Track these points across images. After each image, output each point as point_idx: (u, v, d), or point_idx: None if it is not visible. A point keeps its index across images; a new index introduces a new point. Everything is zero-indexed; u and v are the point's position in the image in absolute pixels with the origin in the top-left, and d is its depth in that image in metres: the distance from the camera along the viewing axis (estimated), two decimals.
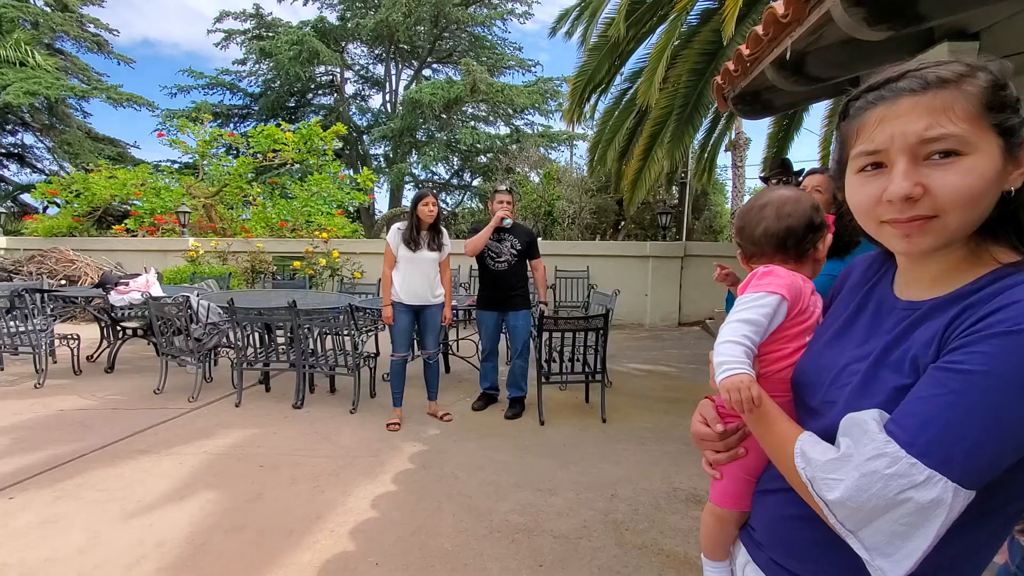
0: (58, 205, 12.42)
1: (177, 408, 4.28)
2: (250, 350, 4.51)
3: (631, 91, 7.47)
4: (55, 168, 17.86)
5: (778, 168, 4.11)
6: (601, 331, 3.96)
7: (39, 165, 19.76)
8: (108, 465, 3.24)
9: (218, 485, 2.99)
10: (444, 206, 21.23)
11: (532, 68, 20.38)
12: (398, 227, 3.96)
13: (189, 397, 4.47)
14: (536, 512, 2.71)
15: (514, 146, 16.74)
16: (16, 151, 19.90)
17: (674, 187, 14.42)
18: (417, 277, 3.85)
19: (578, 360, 4.18)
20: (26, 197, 16.98)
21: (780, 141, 8.29)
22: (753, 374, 0.84)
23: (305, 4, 20.29)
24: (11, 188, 18.33)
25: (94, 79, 19.53)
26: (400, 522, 2.63)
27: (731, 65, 3.42)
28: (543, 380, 4.02)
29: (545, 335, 3.98)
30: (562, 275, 8.31)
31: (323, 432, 3.80)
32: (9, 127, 19.27)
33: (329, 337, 4.65)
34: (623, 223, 15.52)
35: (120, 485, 2.99)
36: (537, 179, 13.39)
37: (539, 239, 10.73)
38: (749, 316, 0.92)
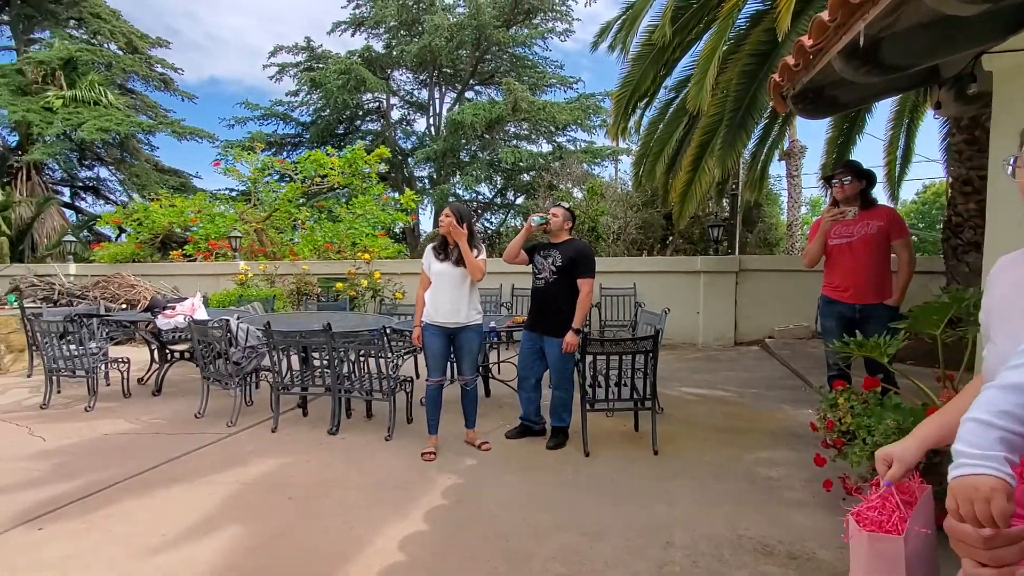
0: (125, 232, 13.15)
1: (215, 433, 4.23)
2: (287, 374, 4.44)
3: (678, 100, 7.16)
4: (125, 199, 19.07)
5: (842, 168, 3.71)
6: (650, 353, 3.64)
7: (112, 196, 21.19)
8: (140, 494, 3.17)
9: (244, 519, 2.85)
10: (488, 225, 21.27)
11: (574, 85, 20.30)
12: (432, 245, 3.81)
13: (228, 422, 4.42)
14: (580, 561, 2.41)
15: (557, 163, 16.57)
16: (92, 184, 21.43)
17: (724, 199, 13.84)
18: (447, 291, 3.65)
19: (625, 385, 3.86)
20: (101, 226, 18.10)
21: (840, 147, 7.74)
22: (1010, 480, 0.58)
23: (353, 35, 21.08)
24: (87, 218, 19.66)
25: (160, 115, 20.86)
26: (429, 566, 2.39)
27: (791, 60, 3.10)
28: (587, 407, 3.72)
29: (588, 358, 3.69)
30: (607, 293, 7.98)
31: (356, 461, 3.63)
32: (86, 162, 20.80)
33: (367, 360, 4.53)
34: (671, 238, 15.00)
35: (148, 517, 2.89)
36: (580, 195, 13.14)
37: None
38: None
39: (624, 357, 3.73)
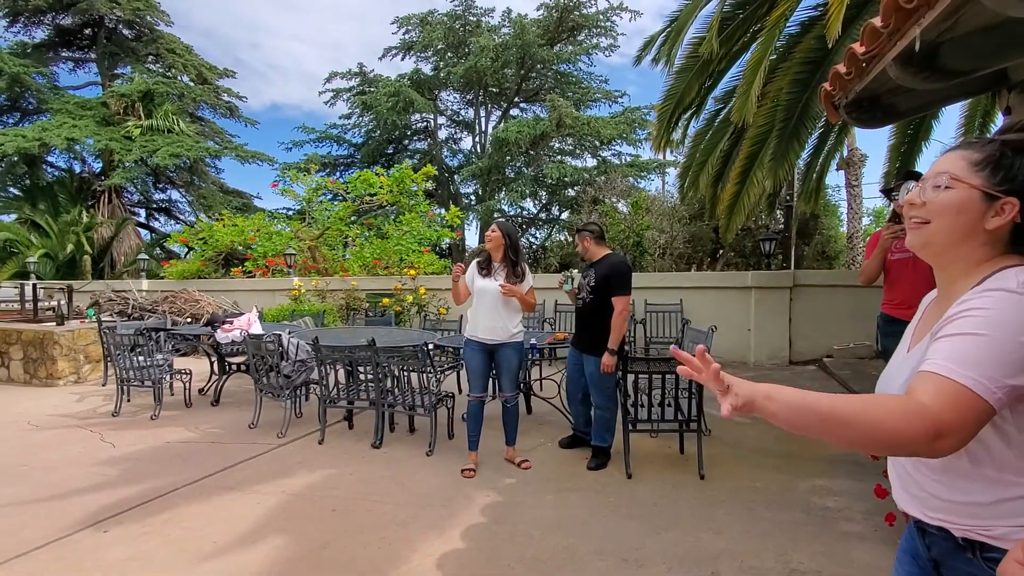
0: (192, 250, 14.02)
1: (266, 443, 4.39)
2: (334, 387, 4.57)
3: (724, 111, 7.00)
4: (193, 219, 20.33)
5: (903, 179, 3.50)
6: None
7: (181, 217, 22.69)
8: (196, 501, 3.33)
9: (289, 529, 2.93)
10: (533, 240, 21.34)
11: (619, 99, 20.22)
12: (477, 260, 3.85)
13: (278, 432, 4.59)
14: None
15: (601, 178, 16.49)
16: (165, 205, 23.05)
17: (778, 211, 13.34)
18: (488, 308, 3.67)
19: (670, 405, 3.75)
20: (170, 244, 19.36)
21: (904, 155, 7.32)
22: None
23: (403, 59, 21.86)
24: (159, 237, 21.12)
25: (226, 140, 22.25)
26: None
27: (842, 68, 2.97)
28: (629, 428, 3.62)
29: (630, 377, 3.60)
30: (652, 309, 7.80)
31: (398, 475, 3.68)
32: (160, 185, 22.41)
33: (410, 376, 4.60)
34: (721, 252, 14.56)
35: (202, 524, 3.03)
36: (625, 209, 12.99)
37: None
38: None
39: (668, 376, 3.62)
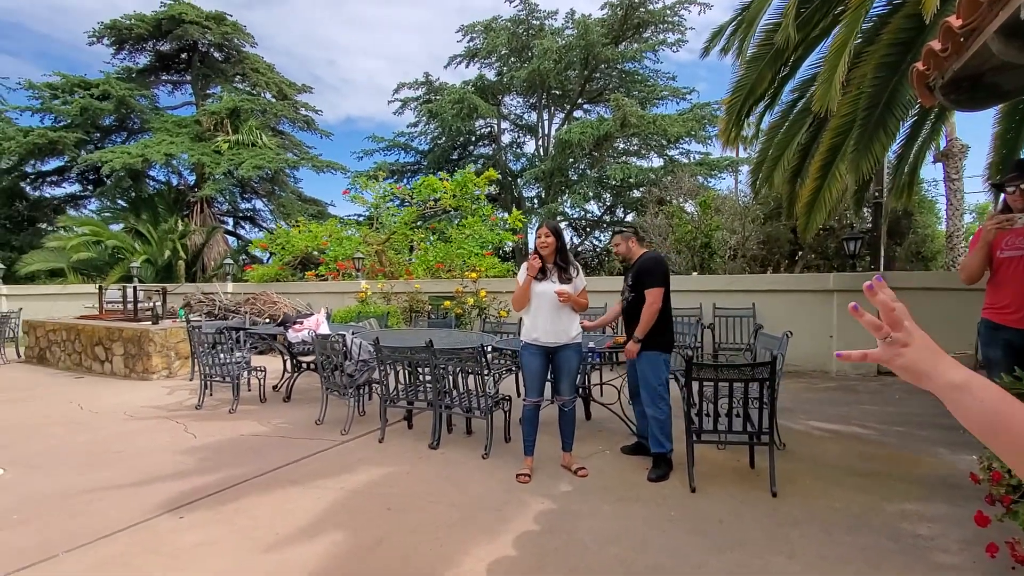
0: (272, 255, 14.94)
1: (331, 439, 4.54)
2: (395, 388, 4.66)
3: (802, 102, 6.55)
4: (273, 226, 21.68)
5: (1017, 170, 3.09)
6: (767, 381, 3.27)
7: (264, 224, 24.24)
8: (263, 492, 3.48)
9: (346, 525, 2.99)
10: (597, 243, 21.02)
11: (687, 95, 19.54)
12: (525, 265, 3.80)
13: (342, 430, 4.74)
14: None
15: (667, 177, 15.96)
16: (249, 214, 24.73)
17: (866, 208, 12.35)
18: (546, 311, 3.61)
19: (738, 415, 3.50)
20: (252, 250, 20.74)
21: (1011, 143, 6.52)
22: None
23: (467, 66, 22.27)
24: (244, 243, 22.68)
25: (303, 151, 23.59)
26: None
27: (936, 44, 2.66)
28: (693, 438, 3.42)
29: (695, 385, 3.40)
30: (721, 313, 7.41)
31: (453, 477, 3.68)
32: (246, 195, 24.07)
33: (470, 377, 4.61)
34: (800, 253, 13.66)
35: (267, 513, 3.15)
36: (692, 209, 12.49)
37: (694, 272, 9.86)
38: None
39: (736, 385, 3.39)
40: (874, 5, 5.02)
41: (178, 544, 2.83)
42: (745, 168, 16.59)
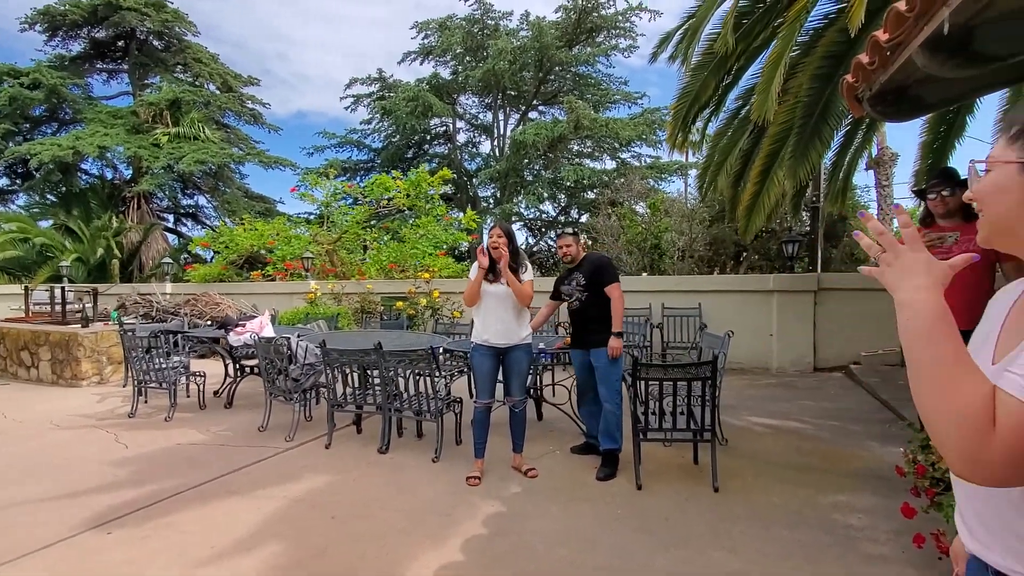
0: (216, 254, 14.29)
1: (274, 447, 4.37)
2: (343, 392, 4.53)
3: (745, 109, 6.79)
4: (217, 224, 20.75)
5: (938, 178, 3.30)
6: (709, 380, 3.37)
7: (207, 222, 23.19)
8: (198, 505, 3.30)
9: (288, 536, 2.87)
10: (551, 244, 21.20)
11: (638, 100, 20.00)
12: (476, 264, 3.77)
13: (286, 436, 4.56)
14: None
15: (620, 180, 16.29)
16: (191, 211, 23.60)
17: (805, 212, 12.97)
18: (496, 312, 3.60)
19: (683, 413, 3.59)
20: (193, 248, 19.79)
21: (937, 152, 6.99)
22: None
23: (422, 64, 22.00)
24: (185, 241, 21.59)
25: (250, 146, 22.69)
26: None
27: (864, 58, 2.80)
28: (640, 436, 3.48)
29: (640, 383, 3.47)
30: (669, 313, 7.61)
31: (401, 482, 3.61)
32: (188, 191, 22.95)
33: (419, 380, 4.54)
34: (745, 255, 14.21)
35: (201, 528, 2.99)
36: (643, 211, 12.79)
37: (644, 273, 10.08)
38: None
39: (681, 383, 3.48)
40: (810, 19, 5.26)
41: (103, 562, 2.64)
42: (693, 172, 17.14)
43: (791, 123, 5.09)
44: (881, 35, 2.51)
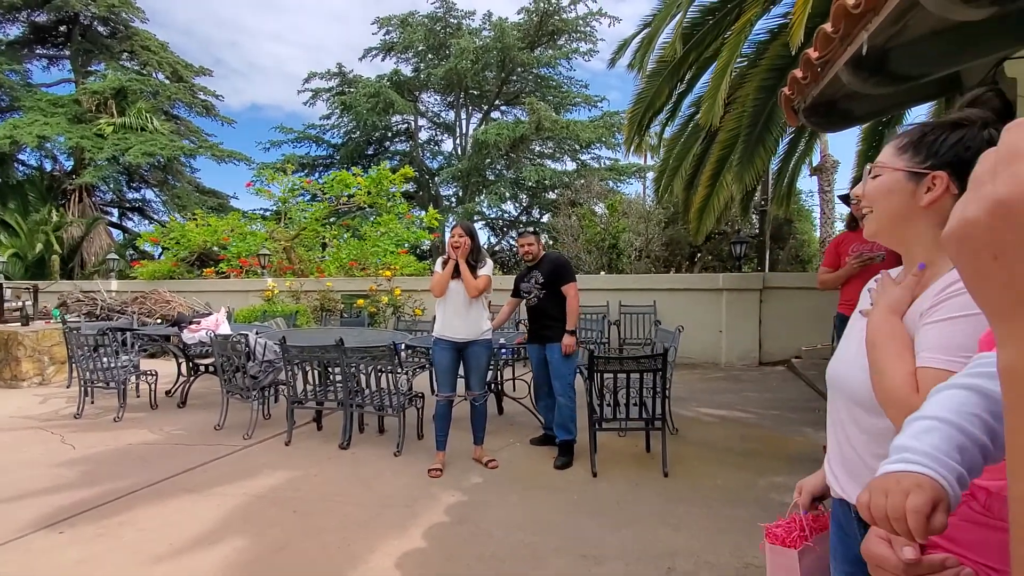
0: (165, 251, 13.75)
1: (231, 445, 4.32)
2: (302, 388, 4.52)
3: (698, 116, 7.11)
4: (167, 219, 19.95)
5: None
6: (659, 372, 3.57)
7: (155, 217, 22.22)
8: (153, 503, 3.26)
9: (248, 531, 2.89)
10: (513, 243, 21.38)
11: (598, 103, 20.42)
12: (441, 259, 3.86)
13: (244, 434, 4.51)
14: None
15: (580, 181, 16.62)
16: (138, 205, 22.57)
17: (754, 215, 13.58)
18: (456, 307, 3.70)
19: (636, 404, 3.78)
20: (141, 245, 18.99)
21: (871, 160, 7.51)
22: (946, 483, 0.51)
23: (383, 60, 21.78)
24: (131, 237, 20.64)
25: (202, 139, 21.88)
26: None
27: (798, 73, 3.05)
28: (596, 426, 3.65)
29: (596, 376, 3.63)
30: (626, 311, 7.88)
31: (363, 476, 3.65)
32: (134, 184, 21.93)
33: (380, 376, 4.57)
34: (699, 255, 14.75)
35: (157, 525, 2.97)
36: (602, 211, 13.09)
37: (602, 272, 10.34)
38: (992, 389, 0.58)
39: (635, 376, 3.67)
40: (756, 32, 5.58)
41: (58, 561, 2.60)
42: (651, 175, 17.65)
43: (738, 130, 5.39)
44: (812, 53, 2.75)
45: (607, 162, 20.08)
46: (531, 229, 4.36)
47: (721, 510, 3.04)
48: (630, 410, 3.70)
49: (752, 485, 3.39)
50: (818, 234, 15.91)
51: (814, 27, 4.30)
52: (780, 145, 7.41)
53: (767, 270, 10.58)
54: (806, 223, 16.46)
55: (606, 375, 3.64)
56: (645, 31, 6.47)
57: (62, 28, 20.40)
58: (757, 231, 12.97)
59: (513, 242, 21.43)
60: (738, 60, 5.19)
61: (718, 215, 6.49)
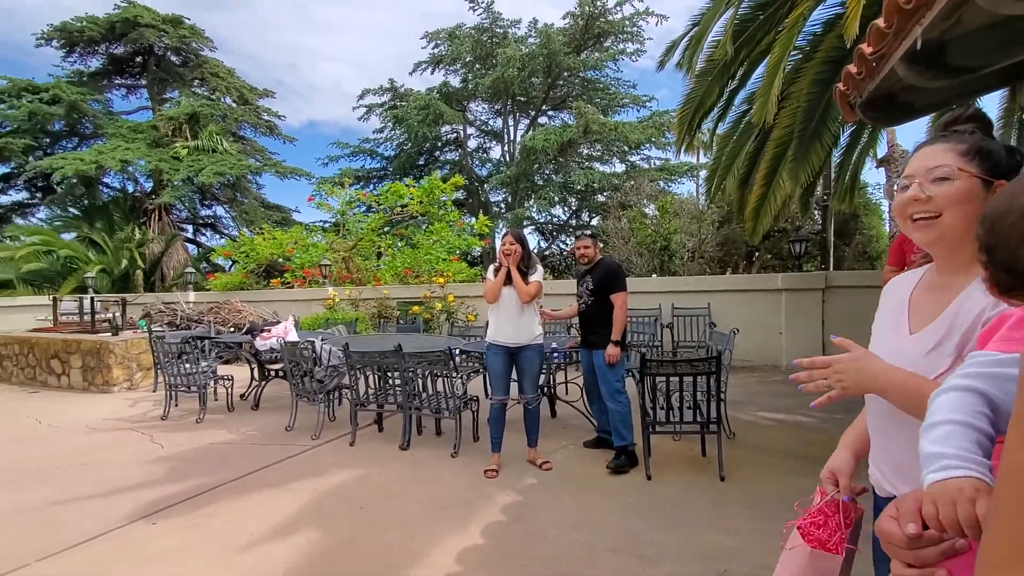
0: (235, 263, 14.68)
1: (301, 445, 4.61)
2: (364, 392, 4.76)
3: (750, 113, 6.94)
4: (236, 233, 21.26)
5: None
6: (713, 375, 3.54)
7: (226, 232, 23.74)
8: (235, 497, 3.54)
9: (319, 525, 3.10)
10: (564, 247, 21.38)
11: (647, 103, 20.13)
12: (493, 266, 3.98)
13: (312, 435, 4.80)
14: None
15: (630, 183, 16.44)
16: (210, 221, 24.17)
17: (816, 211, 13.01)
18: (508, 313, 3.81)
19: (690, 407, 3.76)
20: (215, 258, 20.29)
21: None
22: (988, 479, 0.58)
23: (432, 72, 22.37)
24: (204, 251, 22.14)
25: (266, 157, 23.21)
26: None
27: (853, 68, 2.98)
28: (650, 430, 3.66)
29: (647, 379, 3.65)
30: (679, 313, 7.76)
31: (422, 476, 3.82)
32: (206, 202, 23.51)
33: (436, 380, 4.75)
34: (757, 254, 14.27)
35: (240, 518, 3.23)
36: (652, 213, 12.92)
37: (653, 275, 10.20)
38: (986, 388, 0.65)
39: (689, 378, 3.65)
40: (810, 23, 5.41)
41: (153, 549, 2.88)
42: (704, 173, 17.23)
43: (793, 126, 5.24)
44: (866, 48, 2.69)
45: (657, 162, 19.78)
46: (588, 232, 4.38)
47: (780, 516, 2.97)
48: (684, 413, 3.69)
49: (811, 490, 3.29)
50: (887, 229, 15.03)
51: (871, 16, 4.16)
52: (841, 137, 7.12)
53: (831, 268, 10.13)
54: (874, 217, 15.59)
55: (658, 378, 3.64)
56: (693, 30, 6.39)
57: (138, 59, 22.19)
58: (820, 228, 12.43)
59: (563, 246, 21.45)
60: (791, 54, 5.05)
61: (775, 213, 6.30)
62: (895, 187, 1.11)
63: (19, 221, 20.37)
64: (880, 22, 2.42)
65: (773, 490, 3.34)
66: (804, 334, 7.36)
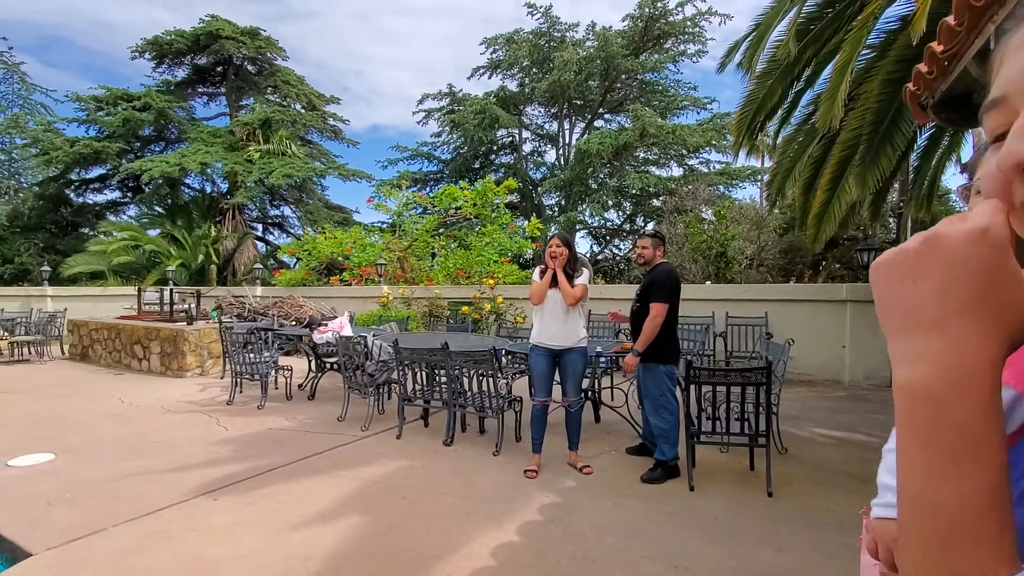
0: (299, 261, 15.46)
1: (351, 435, 4.81)
2: (412, 387, 4.92)
3: (814, 117, 6.64)
4: (300, 232, 22.34)
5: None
6: (763, 386, 3.42)
7: (291, 231, 24.97)
8: (289, 480, 3.75)
9: (364, 511, 3.23)
10: (617, 252, 21.12)
11: (707, 105, 19.57)
12: (539, 268, 4.02)
13: (362, 426, 5.00)
14: None
15: (687, 187, 16.03)
16: (278, 220, 25.52)
17: (890, 219, 12.22)
18: (553, 315, 3.82)
19: (738, 419, 3.65)
20: (281, 255, 21.40)
21: None
22: None
23: (490, 77, 22.69)
24: (272, 249, 23.41)
25: (330, 160, 24.27)
26: None
27: (923, 67, 2.82)
28: (694, 440, 3.58)
29: (692, 387, 3.57)
30: (734, 322, 7.50)
31: (464, 472, 3.90)
32: (275, 202, 24.86)
33: (483, 379, 4.83)
34: (824, 263, 13.55)
35: (292, 499, 3.42)
36: (709, 218, 12.55)
37: (708, 281, 9.89)
38: None
39: (737, 389, 3.54)
40: (884, 19, 5.12)
41: (213, 522, 3.11)
42: (766, 177, 16.55)
43: (861, 129, 4.97)
44: (936, 47, 2.54)
45: (717, 166, 19.18)
46: (650, 231, 4.29)
47: (831, 535, 2.85)
48: (731, 425, 3.58)
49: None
50: None
51: (943, 13, 3.91)
52: (918, 140, 6.69)
53: None
54: None
55: (704, 387, 3.55)
56: (756, 31, 6.19)
57: (218, 69, 23.79)
58: (894, 236, 11.67)
59: (616, 250, 21.18)
60: (862, 53, 4.81)
61: (840, 220, 5.99)
62: (969, 188, 1.01)
63: (112, 218, 22.26)
64: (950, 19, 2.29)
65: (826, 509, 3.19)
66: (870, 348, 6.94)
